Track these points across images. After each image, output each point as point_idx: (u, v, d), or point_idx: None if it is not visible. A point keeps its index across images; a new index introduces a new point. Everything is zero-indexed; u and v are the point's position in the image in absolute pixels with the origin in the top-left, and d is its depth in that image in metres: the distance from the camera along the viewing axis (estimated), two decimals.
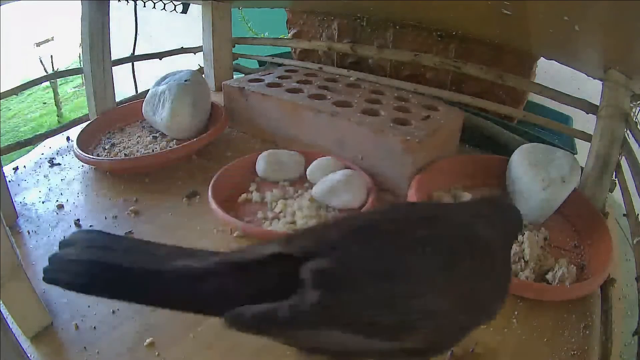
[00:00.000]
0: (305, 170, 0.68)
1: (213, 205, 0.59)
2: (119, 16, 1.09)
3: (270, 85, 0.81)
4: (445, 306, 0.28)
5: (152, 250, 0.31)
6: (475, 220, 0.33)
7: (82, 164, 0.72)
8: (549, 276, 0.50)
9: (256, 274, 0.28)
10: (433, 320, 0.28)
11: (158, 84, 0.79)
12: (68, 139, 0.82)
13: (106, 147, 0.75)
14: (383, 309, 0.26)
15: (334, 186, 0.62)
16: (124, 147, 0.75)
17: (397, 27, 0.88)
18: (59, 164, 0.73)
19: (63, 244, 0.32)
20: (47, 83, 2.88)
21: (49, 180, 0.69)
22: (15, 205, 0.61)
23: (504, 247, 0.35)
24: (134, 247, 0.31)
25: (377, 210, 0.33)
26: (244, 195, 0.65)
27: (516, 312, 0.47)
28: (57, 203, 0.63)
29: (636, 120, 0.61)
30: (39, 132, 0.83)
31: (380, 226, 0.30)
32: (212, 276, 0.28)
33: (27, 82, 0.88)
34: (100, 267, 0.29)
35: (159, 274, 0.28)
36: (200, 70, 1.05)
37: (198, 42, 1.03)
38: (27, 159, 0.75)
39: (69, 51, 3.22)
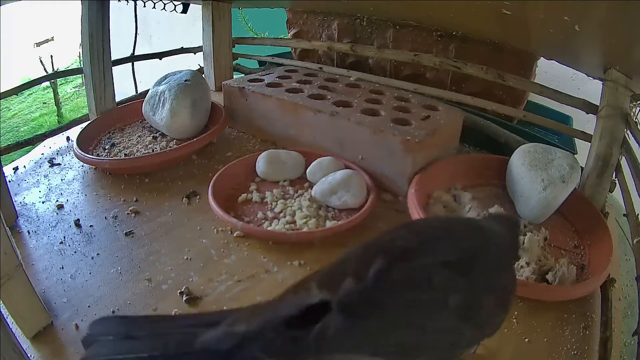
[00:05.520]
0: (305, 170, 0.68)
1: (213, 205, 0.59)
2: (119, 16, 1.09)
3: (270, 85, 0.81)
4: (462, 325, 0.29)
5: (176, 326, 0.30)
6: (484, 236, 0.34)
7: (82, 164, 0.72)
8: (549, 276, 0.50)
9: (292, 323, 0.28)
10: (450, 339, 0.29)
11: (158, 84, 0.79)
12: (68, 139, 0.82)
13: (106, 147, 0.75)
14: (407, 335, 0.28)
15: (334, 186, 0.62)
16: (124, 147, 0.75)
17: (397, 27, 0.88)
18: (59, 164, 0.73)
19: (86, 342, 0.31)
20: (47, 83, 2.88)
21: (49, 180, 0.69)
22: (15, 205, 0.61)
23: (510, 262, 0.36)
24: (156, 326, 0.30)
25: (394, 234, 0.33)
26: (244, 195, 0.65)
27: (516, 312, 0.47)
28: (57, 203, 0.63)
29: (636, 120, 0.61)
30: (39, 132, 0.83)
31: (401, 253, 0.30)
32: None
33: (27, 82, 0.88)
34: None
35: (191, 354, 0.28)
36: (200, 70, 1.05)
37: (198, 42, 1.03)
38: (27, 159, 0.75)
39: (69, 51, 3.22)
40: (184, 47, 1.06)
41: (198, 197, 0.65)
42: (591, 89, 0.67)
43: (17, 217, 0.60)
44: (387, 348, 0.27)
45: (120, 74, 0.91)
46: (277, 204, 0.62)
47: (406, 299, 0.28)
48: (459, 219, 0.36)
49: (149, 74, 1.12)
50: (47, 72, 2.46)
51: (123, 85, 1.08)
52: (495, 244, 0.34)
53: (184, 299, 0.47)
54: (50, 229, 0.58)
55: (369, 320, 0.27)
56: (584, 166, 0.64)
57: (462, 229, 0.34)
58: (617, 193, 0.63)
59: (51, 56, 2.84)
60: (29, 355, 0.40)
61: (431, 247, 0.31)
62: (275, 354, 0.26)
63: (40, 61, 2.79)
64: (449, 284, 0.29)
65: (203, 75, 1.00)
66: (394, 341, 0.27)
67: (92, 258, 0.53)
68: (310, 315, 0.27)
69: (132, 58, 1.05)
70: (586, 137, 0.67)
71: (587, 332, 0.46)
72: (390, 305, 0.28)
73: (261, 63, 1.15)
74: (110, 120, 0.83)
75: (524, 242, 0.53)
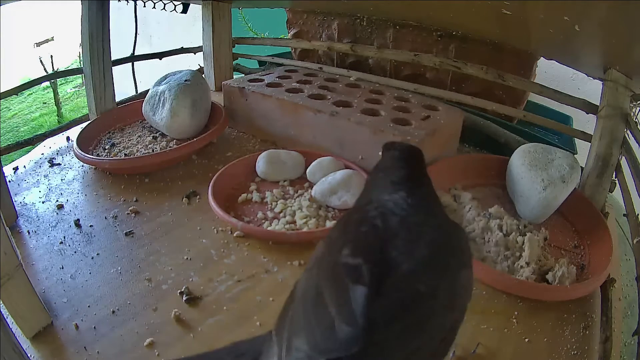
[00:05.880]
0: (305, 170, 0.68)
1: (213, 205, 0.59)
2: (119, 16, 1.09)
3: (270, 85, 0.81)
4: (450, 315, 0.28)
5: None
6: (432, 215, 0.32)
7: (82, 164, 0.72)
8: (549, 276, 0.50)
9: None
10: (442, 333, 0.28)
11: (158, 84, 0.79)
12: (68, 139, 0.82)
13: (106, 147, 0.75)
14: (411, 349, 0.26)
15: (334, 186, 0.62)
16: (124, 147, 0.75)
17: (397, 27, 0.88)
18: (59, 164, 0.73)
19: None
20: (47, 83, 2.88)
21: (49, 180, 0.69)
22: (15, 205, 0.61)
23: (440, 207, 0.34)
24: None
25: (336, 251, 0.29)
26: (244, 195, 0.65)
27: (516, 312, 0.47)
28: (57, 203, 0.63)
29: (636, 120, 0.61)
30: (39, 132, 0.83)
31: (370, 273, 0.27)
32: None
33: (27, 82, 0.88)
34: None
35: None
36: (200, 70, 1.05)
37: (198, 42, 1.03)
38: (27, 159, 0.75)
39: (69, 51, 3.22)
40: (184, 47, 1.06)
41: (198, 197, 0.65)
42: (591, 89, 0.67)
43: (17, 217, 0.60)
44: None
45: (120, 74, 0.91)
46: (277, 204, 0.62)
47: (404, 323, 0.26)
48: (361, 208, 0.33)
49: (149, 74, 1.12)
50: (47, 72, 2.46)
51: (123, 85, 1.08)
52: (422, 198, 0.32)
53: (184, 299, 0.47)
54: (50, 229, 0.58)
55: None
56: (584, 166, 0.64)
57: (396, 208, 0.31)
58: (617, 193, 0.63)
59: (51, 56, 2.83)
60: (29, 355, 0.40)
61: (388, 250, 0.28)
62: None
63: (40, 61, 2.79)
64: (435, 284, 0.27)
65: (203, 75, 1.00)
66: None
67: (92, 258, 0.53)
68: None
69: (132, 58, 1.05)
70: (586, 137, 0.67)
71: (587, 332, 0.46)
72: (392, 338, 0.25)
73: (261, 63, 1.15)
74: (110, 120, 0.83)
75: (523, 243, 0.53)
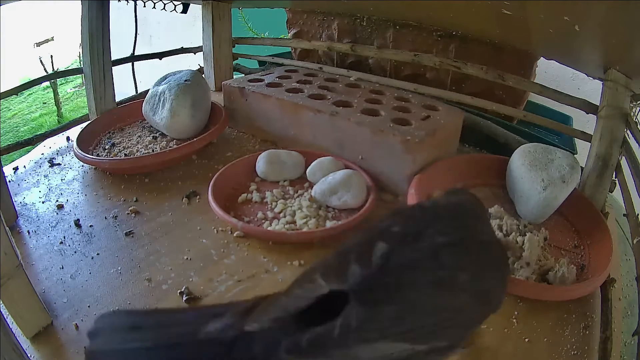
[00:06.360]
0: (305, 170, 0.68)
1: (213, 205, 0.59)
2: (119, 16, 1.08)
3: (270, 85, 0.81)
4: (470, 302, 0.30)
5: (180, 317, 0.31)
6: (469, 211, 0.35)
7: (82, 164, 0.72)
8: (549, 276, 0.50)
9: (302, 316, 0.28)
10: (463, 316, 0.30)
11: (158, 84, 0.79)
12: (68, 139, 0.82)
13: (106, 147, 0.75)
14: (424, 316, 0.28)
15: (334, 186, 0.62)
16: (124, 147, 0.75)
17: (397, 27, 0.88)
18: (59, 164, 0.73)
19: (91, 334, 0.30)
20: (47, 83, 2.88)
21: (49, 180, 0.69)
22: (15, 205, 0.61)
23: (493, 232, 0.38)
24: (161, 320, 0.30)
25: (387, 222, 0.33)
26: (244, 195, 0.65)
27: (516, 312, 0.47)
28: (57, 203, 0.63)
29: (636, 120, 0.61)
30: (39, 132, 0.83)
31: (400, 238, 0.31)
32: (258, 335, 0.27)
33: (27, 82, 0.88)
34: (137, 353, 0.28)
35: (195, 344, 0.28)
36: (200, 70, 1.05)
37: (198, 42, 1.03)
38: (27, 159, 0.75)
39: (69, 51, 3.22)
40: (184, 47, 1.06)
41: (198, 197, 0.65)
42: (591, 89, 0.67)
43: (17, 217, 0.60)
44: (409, 332, 0.27)
45: (120, 74, 0.91)
46: (277, 204, 0.62)
47: (417, 279, 0.28)
48: (439, 201, 0.37)
49: (149, 74, 1.12)
50: (47, 72, 2.46)
51: (123, 85, 1.08)
52: (479, 217, 0.35)
53: (184, 299, 0.47)
54: (50, 229, 0.58)
55: (387, 305, 0.27)
56: (584, 166, 0.64)
57: (448, 208, 0.35)
58: (617, 193, 0.63)
59: (51, 56, 2.84)
60: (29, 355, 0.40)
61: (429, 229, 0.31)
62: (301, 354, 0.26)
63: (40, 61, 2.80)
64: (454, 261, 0.30)
65: (203, 75, 1.00)
66: (413, 324, 0.27)
67: (92, 258, 0.53)
68: (317, 308, 0.27)
69: (132, 58, 1.05)
70: (586, 137, 0.67)
71: (587, 332, 0.46)
72: (403, 287, 0.28)
73: (261, 63, 1.15)
74: (110, 120, 0.83)
75: (523, 242, 0.53)
